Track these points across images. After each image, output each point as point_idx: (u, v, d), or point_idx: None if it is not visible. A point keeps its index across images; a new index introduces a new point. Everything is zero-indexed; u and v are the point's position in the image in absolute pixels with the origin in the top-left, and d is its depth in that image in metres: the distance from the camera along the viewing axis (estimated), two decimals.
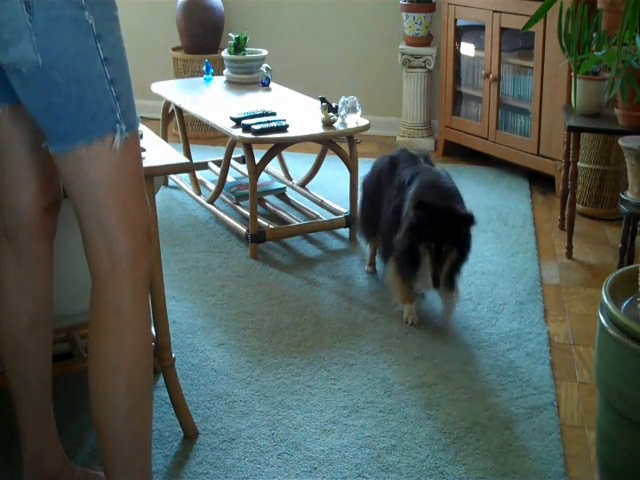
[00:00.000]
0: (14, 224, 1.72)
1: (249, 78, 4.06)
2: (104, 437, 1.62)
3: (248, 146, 3.28)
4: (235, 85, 4.05)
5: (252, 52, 4.13)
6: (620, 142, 2.89)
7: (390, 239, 2.85)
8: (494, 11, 4.19)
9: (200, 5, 4.89)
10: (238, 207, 3.71)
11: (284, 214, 3.68)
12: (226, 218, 3.59)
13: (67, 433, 2.14)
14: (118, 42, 1.51)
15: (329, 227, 3.54)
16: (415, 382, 2.47)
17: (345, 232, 3.54)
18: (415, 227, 2.67)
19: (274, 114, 3.44)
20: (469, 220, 2.71)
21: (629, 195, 2.89)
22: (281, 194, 3.94)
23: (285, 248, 3.45)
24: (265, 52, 4.15)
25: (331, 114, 3.34)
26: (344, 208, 3.58)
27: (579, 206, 3.71)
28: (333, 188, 4.03)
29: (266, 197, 3.87)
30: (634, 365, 1.75)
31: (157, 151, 2.08)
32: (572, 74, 2.79)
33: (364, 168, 4.15)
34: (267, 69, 4.02)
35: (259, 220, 3.38)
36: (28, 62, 1.42)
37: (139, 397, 1.62)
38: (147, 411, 1.66)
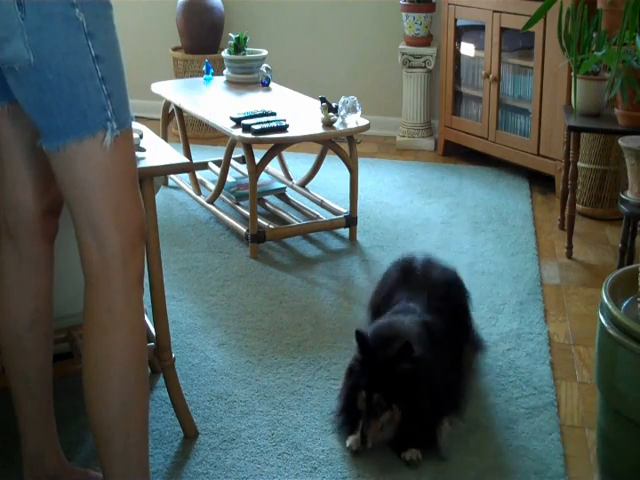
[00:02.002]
0: (15, 223, 1.73)
1: (249, 78, 4.06)
2: (99, 436, 1.63)
3: (248, 146, 3.28)
4: (235, 85, 4.05)
5: (252, 52, 4.14)
6: (620, 142, 2.89)
7: None
8: (494, 11, 4.19)
9: (200, 5, 4.89)
10: (238, 207, 3.71)
11: (284, 214, 3.68)
12: (226, 218, 3.59)
13: (67, 433, 2.13)
14: (111, 41, 1.51)
15: (329, 227, 3.54)
16: None
17: (345, 232, 3.54)
18: (351, 368, 2.18)
19: (274, 114, 3.44)
20: (405, 355, 2.07)
21: (629, 195, 2.89)
22: (281, 194, 3.94)
23: (285, 248, 3.45)
24: (265, 52, 4.15)
25: (331, 114, 3.34)
26: (344, 208, 3.58)
27: (579, 206, 3.71)
28: (333, 188, 4.03)
29: (266, 197, 3.87)
30: (634, 365, 1.75)
31: (157, 151, 2.08)
32: (572, 74, 2.79)
33: (364, 168, 4.17)
34: (267, 69, 4.02)
35: (259, 220, 3.38)
36: (21, 59, 1.43)
37: (132, 396, 1.62)
38: (142, 410, 1.66)
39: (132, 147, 1.59)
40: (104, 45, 1.48)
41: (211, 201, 3.74)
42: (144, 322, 1.67)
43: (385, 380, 2.09)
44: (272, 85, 4.03)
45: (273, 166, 4.03)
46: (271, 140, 3.26)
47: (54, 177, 1.58)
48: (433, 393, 2.14)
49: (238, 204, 3.74)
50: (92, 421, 1.63)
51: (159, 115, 4.10)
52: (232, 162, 3.94)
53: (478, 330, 2.63)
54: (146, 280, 1.68)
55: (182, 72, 4.98)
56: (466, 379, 2.40)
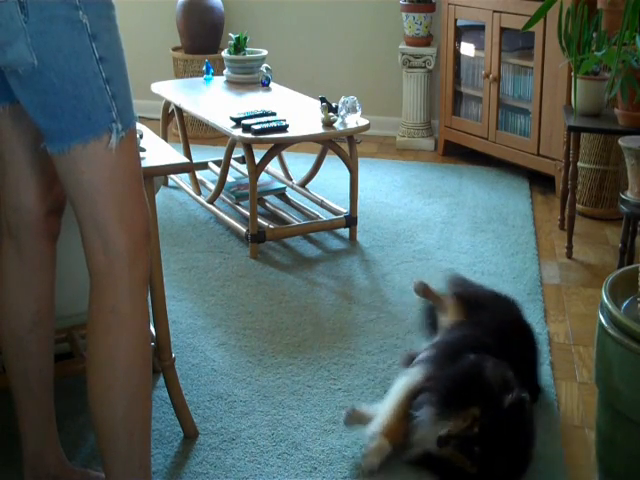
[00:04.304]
0: (17, 223, 1.72)
1: (249, 78, 4.06)
2: (102, 436, 1.63)
3: (248, 146, 3.28)
4: (235, 85, 4.05)
5: (252, 52, 4.14)
6: (620, 142, 2.89)
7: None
8: (494, 11, 4.19)
9: (200, 5, 4.89)
10: (238, 207, 3.71)
11: (284, 214, 3.68)
12: (226, 218, 3.59)
13: (67, 433, 2.14)
14: (114, 41, 1.51)
15: (329, 227, 3.54)
16: None
17: (345, 232, 3.54)
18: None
19: (274, 114, 3.44)
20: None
21: (629, 195, 2.89)
22: (281, 194, 3.94)
23: (285, 248, 3.45)
24: (265, 52, 4.15)
25: (331, 114, 3.34)
26: (344, 208, 3.58)
27: (579, 206, 3.71)
28: (333, 188, 4.03)
29: (266, 197, 3.87)
30: (634, 365, 1.75)
31: (157, 151, 2.08)
32: (572, 74, 2.79)
33: (364, 168, 4.17)
34: (267, 69, 4.02)
35: (259, 220, 3.38)
36: (24, 63, 1.43)
37: (136, 396, 1.62)
38: (145, 410, 1.66)
39: (136, 147, 1.59)
40: (107, 46, 1.48)
41: (211, 201, 3.74)
42: (149, 322, 1.67)
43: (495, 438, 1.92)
44: (272, 85, 4.03)
45: (273, 166, 4.03)
46: (271, 140, 3.26)
47: (57, 177, 1.58)
48: None
49: (238, 204, 3.74)
50: (95, 420, 1.63)
51: (159, 115, 4.10)
52: (232, 162, 3.94)
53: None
54: None
55: (182, 72, 4.98)
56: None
